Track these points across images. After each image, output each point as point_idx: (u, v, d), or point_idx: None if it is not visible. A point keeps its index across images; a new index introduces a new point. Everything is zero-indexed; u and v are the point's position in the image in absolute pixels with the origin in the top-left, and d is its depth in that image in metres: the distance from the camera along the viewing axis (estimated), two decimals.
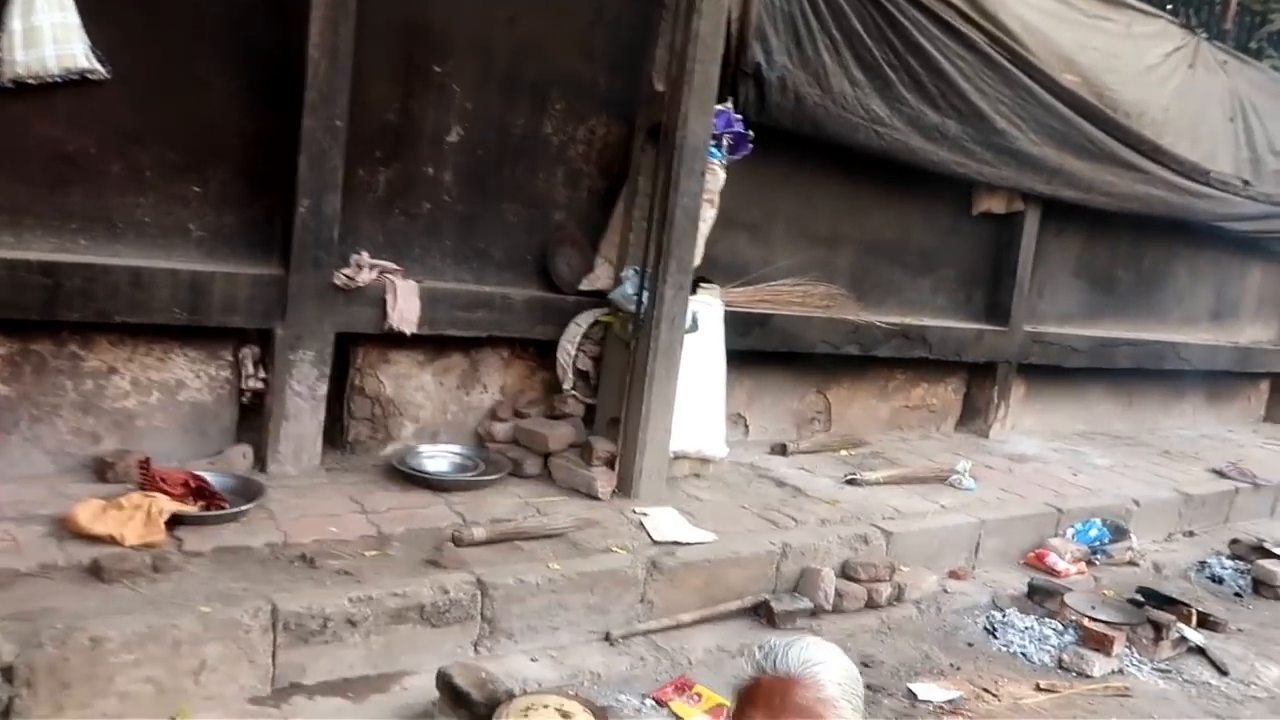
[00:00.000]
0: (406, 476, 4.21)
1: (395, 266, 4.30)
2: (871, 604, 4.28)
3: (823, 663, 1.47)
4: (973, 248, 6.80)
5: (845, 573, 4.32)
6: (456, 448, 4.63)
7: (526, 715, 2.71)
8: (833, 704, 1.43)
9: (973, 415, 7.03)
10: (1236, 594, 5.31)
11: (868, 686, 3.67)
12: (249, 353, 4.11)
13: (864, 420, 6.45)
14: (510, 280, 4.81)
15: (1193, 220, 7.52)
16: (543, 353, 4.90)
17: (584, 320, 4.76)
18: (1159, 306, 8.28)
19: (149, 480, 3.55)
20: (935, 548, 4.77)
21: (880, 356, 6.17)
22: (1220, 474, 6.77)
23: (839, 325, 5.83)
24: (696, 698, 3.35)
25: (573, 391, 4.77)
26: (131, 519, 3.24)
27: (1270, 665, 4.37)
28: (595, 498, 4.35)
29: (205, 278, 3.86)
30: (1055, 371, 7.36)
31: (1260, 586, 5.36)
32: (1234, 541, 5.85)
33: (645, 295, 4.41)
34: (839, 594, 4.18)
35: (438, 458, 4.50)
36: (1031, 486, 5.75)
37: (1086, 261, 7.64)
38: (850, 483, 5.21)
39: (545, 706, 2.76)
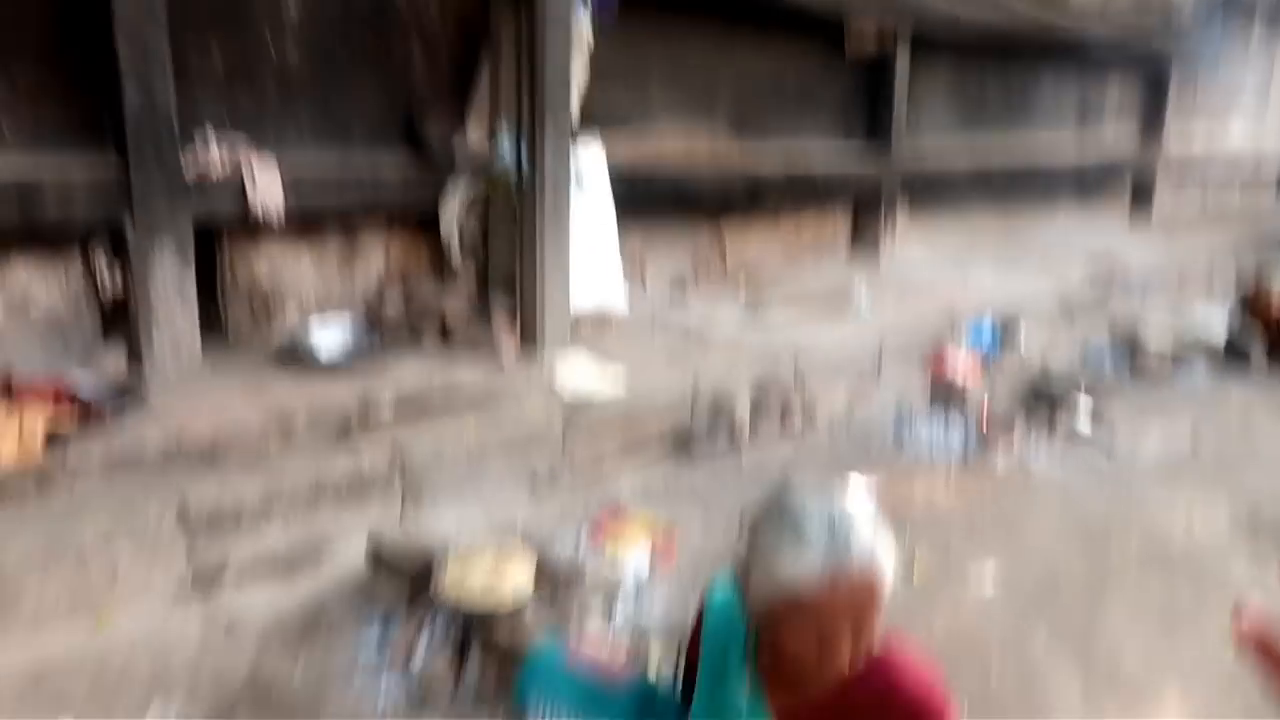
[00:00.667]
0: (299, 361, 4.02)
1: (249, 149, 3.97)
2: (785, 430, 4.38)
3: (879, 544, 1.33)
4: (850, 84, 6.78)
5: (759, 403, 4.38)
6: (348, 325, 4.43)
7: (464, 572, 2.68)
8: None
9: (863, 241, 7.14)
10: (1116, 378, 5.64)
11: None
12: (100, 252, 3.78)
13: (759, 256, 6.47)
14: (380, 153, 4.53)
15: (1054, 34, 7.60)
16: (425, 223, 4.68)
17: (463, 186, 4.54)
18: (1028, 120, 8.47)
19: (14, 395, 3.27)
20: (840, 368, 4.88)
21: (770, 193, 6.15)
22: (1096, 270, 7.10)
23: (725, 165, 5.76)
24: (627, 534, 3.38)
25: (461, 259, 4.60)
26: (2, 439, 2.99)
27: (1150, 437, 4.68)
28: (501, 360, 4.26)
29: (31, 176, 3.50)
30: (937, 191, 7.50)
31: (1137, 369, 5.71)
32: (1112, 330, 6.18)
33: (524, 156, 4.22)
34: (753, 424, 4.25)
35: (329, 339, 4.30)
36: (925, 301, 5.92)
37: (958, 85, 7.71)
38: (752, 316, 5.24)
39: (481, 562, 2.72)
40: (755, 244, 6.46)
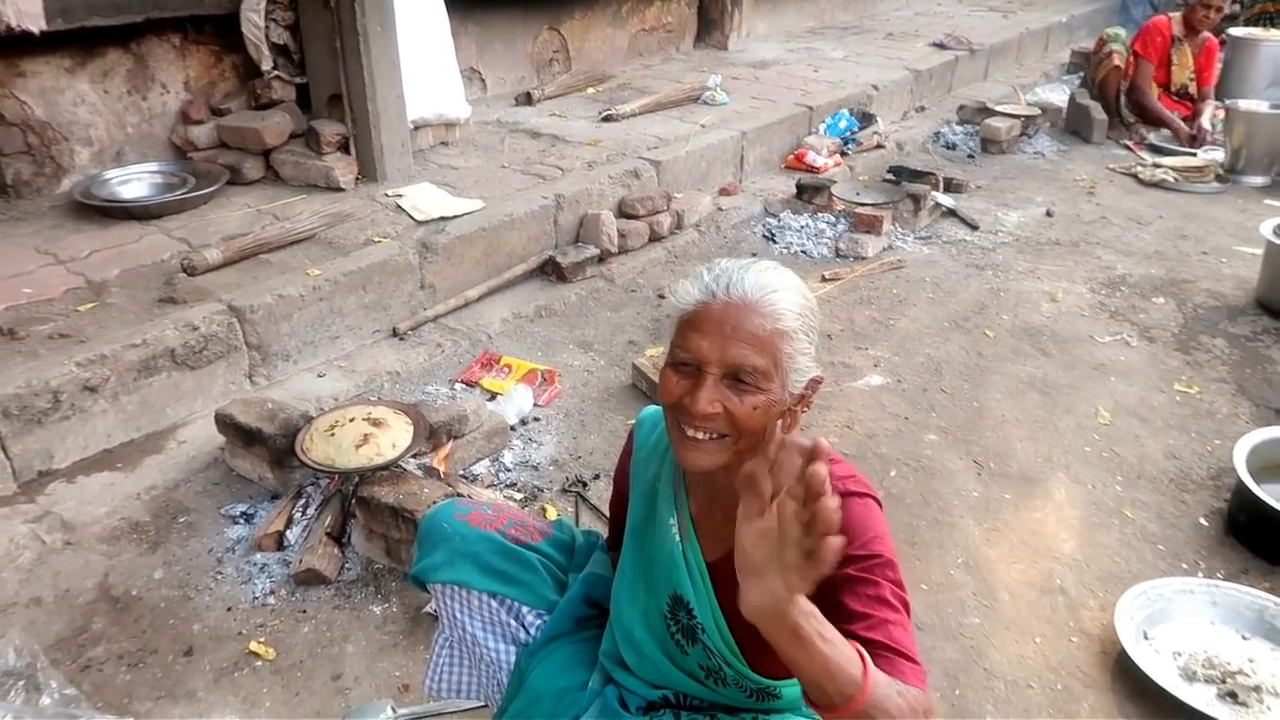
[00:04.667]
0: (100, 211, 3.47)
1: None
2: (655, 237, 4.18)
3: (781, 290, 1.21)
4: None
5: (623, 211, 4.15)
6: (153, 166, 3.85)
7: (333, 433, 2.41)
8: (790, 337, 1.19)
9: (709, 29, 6.73)
10: (969, 155, 5.67)
11: (667, 316, 3.68)
12: None
13: (604, 53, 6.01)
14: None
15: None
16: (224, 32, 4.01)
17: None
18: None
19: None
20: (703, 169, 4.66)
21: None
22: (940, 46, 6.99)
23: None
24: (506, 370, 3.18)
25: (275, 72, 4.00)
26: None
27: (1009, 212, 4.75)
28: (338, 189, 3.81)
29: None
30: None
31: (988, 144, 5.75)
32: (961, 108, 6.16)
33: None
34: (621, 234, 4.03)
35: (134, 181, 3.73)
36: (780, 90, 5.68)
37: None
38: (606, 119, 4.90)
39: (351, 420, 2.46)
40: (599, 38, 5.97)
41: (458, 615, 1.51)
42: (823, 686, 0.98)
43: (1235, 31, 6.43)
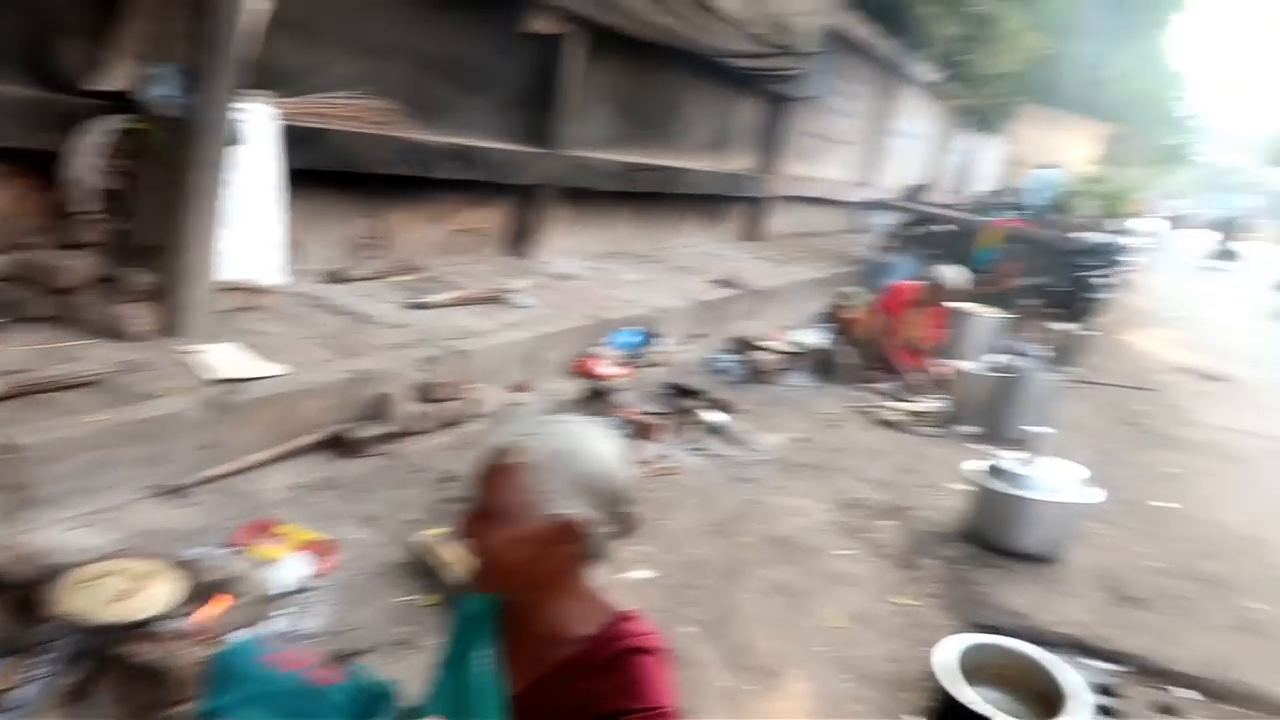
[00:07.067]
0: None
1: None
2: (447, 423, 4.36)
3: (540, 434, 1.43)
4: (522, 69, 6.80)
5: (421, 394, 4.32)
6: None
7: (91, 585, 2.35)
8: (536, 470, 1.39)
9: (519, 238, 7.25)
10: (737, 381, 6.30)
11: (452, 499, 3.80)
12: None
13: (418, 245, 6.34)
14: None
15: (701, 52, 8.24)
16: (47, 168, 3.99)
17: (103, 128, 3.93)
18: (673, 135, 9.09)
19: None
20: (501, 363, 4.95)
21: (434, 179, 6.04)
22: (721, 283, 7.84)
23: (394, 144, 5.56)
24: (282, 537, 3.17)
25: (89, 215, 3.99)
26: None
27: (769, 434, 5.31)
28: (136, 338, 3.78)
29: None
30: (588, 196, 7.81)
31: (754, 373, 6.42)
32: (732, 339, 6.88)
33: (188, 98, 3.76)
34: (415, 416, 4.19)
35: None
36: (577, 302, 6.17)
37: (619, 89, 8.02)
38: (415, 306, 5.14)
39: (113, 572, 2.41)
40: (416, 232, 6.31)
41: None
42: None
43: (958, 305, 7.66)
